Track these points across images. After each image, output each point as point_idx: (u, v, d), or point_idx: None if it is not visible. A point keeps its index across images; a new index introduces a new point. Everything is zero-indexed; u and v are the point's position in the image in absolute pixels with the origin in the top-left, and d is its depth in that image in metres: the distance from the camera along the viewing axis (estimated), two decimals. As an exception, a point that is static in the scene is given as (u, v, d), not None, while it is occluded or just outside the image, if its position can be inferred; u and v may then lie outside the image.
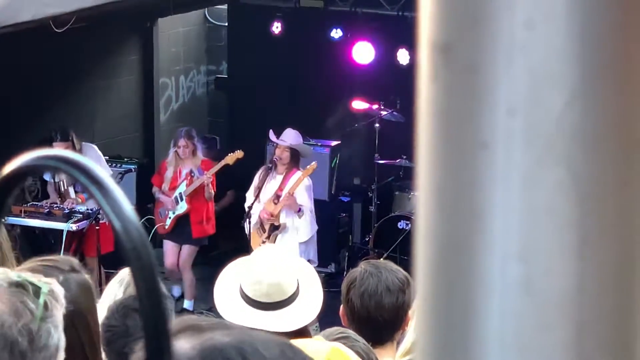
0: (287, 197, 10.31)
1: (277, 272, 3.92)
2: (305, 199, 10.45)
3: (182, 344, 1.53)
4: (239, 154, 10.90)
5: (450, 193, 0.77)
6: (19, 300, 1.88)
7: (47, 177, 10.72)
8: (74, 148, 10.21)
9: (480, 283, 0.76)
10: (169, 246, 11.22)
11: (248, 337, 1.55)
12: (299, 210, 10.37)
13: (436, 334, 0.78)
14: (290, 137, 10.48)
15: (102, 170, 1.09)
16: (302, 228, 10.48)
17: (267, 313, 3.85)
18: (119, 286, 3.91)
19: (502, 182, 0.75)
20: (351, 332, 3.81)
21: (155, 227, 10.94)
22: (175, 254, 11.20)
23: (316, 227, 10.63)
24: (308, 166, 10.47)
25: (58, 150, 1.13)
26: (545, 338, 0.76)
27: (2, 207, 1.13)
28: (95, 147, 10.86)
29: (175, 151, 10.99)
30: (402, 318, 4.04)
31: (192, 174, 10.94)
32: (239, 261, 4.17)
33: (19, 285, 1.90)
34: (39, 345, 1.86)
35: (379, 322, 3.99)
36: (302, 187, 10.43)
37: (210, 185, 10.86)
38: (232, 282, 4.03)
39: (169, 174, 11.10)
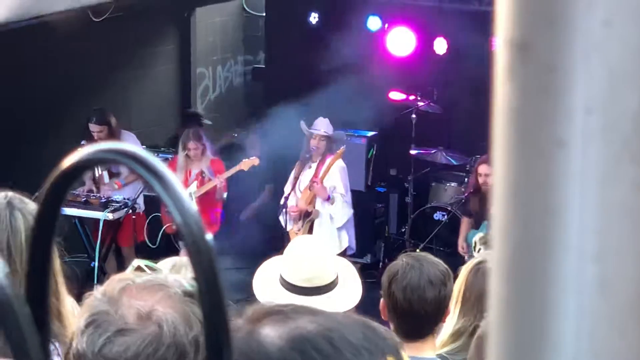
0: (316, 185, 10.32)
1: (317, 260, 3.95)
2: (338, 182, 10.43)
3: (268, 332, 1.52)
4: (254, 160, 10.74)
5: (527, 191, 0.76)
6: (190, 311, 1.85)
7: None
8: (110, 132, 10.19)
9: (556, 283, 0.75)
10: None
11: (332, 322, 1.54)
12: (328, 198, 10.36)
13: (511, 333, 0.78)
14: (324, 125, 10.50)
15: (161, 162, 1.09)
16: (335, 214, 10.48)
17: (307, 298, 3.85)
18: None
19: (579, 180, 0.75)
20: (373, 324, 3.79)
21: (164, 226, 10.50)
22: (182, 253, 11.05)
23: (351, 211, 10.58)
24: (337, 151, 10.46)
25: (115, 142, 1.13)
26: (619, 340, 0.75)
27: (61, 200, 1.13)
28: (134, 136, 10.84)
29: (186, 154, 10.80)
30: (443, 311, 4.03)
31: (203, 175, 10.80)
32: (278, 257, 4.19)
33: (192, 295, 1.87)
34: (201, 358, 1.84)
35: (421, 315, 3.97)
36: (335, 170, 10.42)
37: (222, 188, 10.77)
38: (272, 271, 4.06)
39: (178, 177, 10.93)
